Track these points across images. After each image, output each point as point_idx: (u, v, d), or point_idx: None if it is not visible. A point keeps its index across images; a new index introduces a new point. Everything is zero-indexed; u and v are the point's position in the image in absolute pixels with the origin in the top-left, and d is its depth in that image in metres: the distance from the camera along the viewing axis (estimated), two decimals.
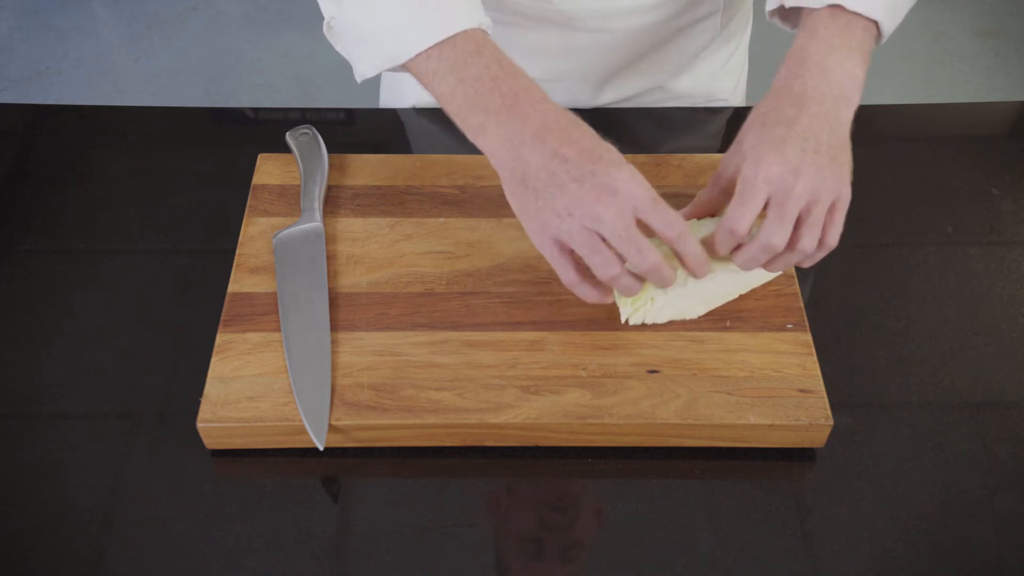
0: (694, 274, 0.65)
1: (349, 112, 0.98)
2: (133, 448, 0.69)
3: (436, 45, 0.65)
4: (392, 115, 0.98)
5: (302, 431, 0.65)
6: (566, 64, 0.93)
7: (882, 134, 0.96)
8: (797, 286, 0.74)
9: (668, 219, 0.61)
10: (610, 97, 0.98)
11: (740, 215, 0.62)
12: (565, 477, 0.68)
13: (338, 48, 0.73)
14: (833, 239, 0.65)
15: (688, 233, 0.62)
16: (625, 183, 0.60)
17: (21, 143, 0.92)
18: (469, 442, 0.68)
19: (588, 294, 0.65)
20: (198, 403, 0.67)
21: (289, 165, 0.83)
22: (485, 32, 0.67)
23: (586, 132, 0.63)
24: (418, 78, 0.68)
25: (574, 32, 0.88)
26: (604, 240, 0.62)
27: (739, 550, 0.63)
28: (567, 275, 0.65)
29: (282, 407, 0.66)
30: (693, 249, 0.63)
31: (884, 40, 0.71)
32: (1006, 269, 0.80)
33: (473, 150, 0.85)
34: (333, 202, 0.81)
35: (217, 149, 0.93)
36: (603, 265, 0.62)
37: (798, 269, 0.75)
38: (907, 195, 0.87)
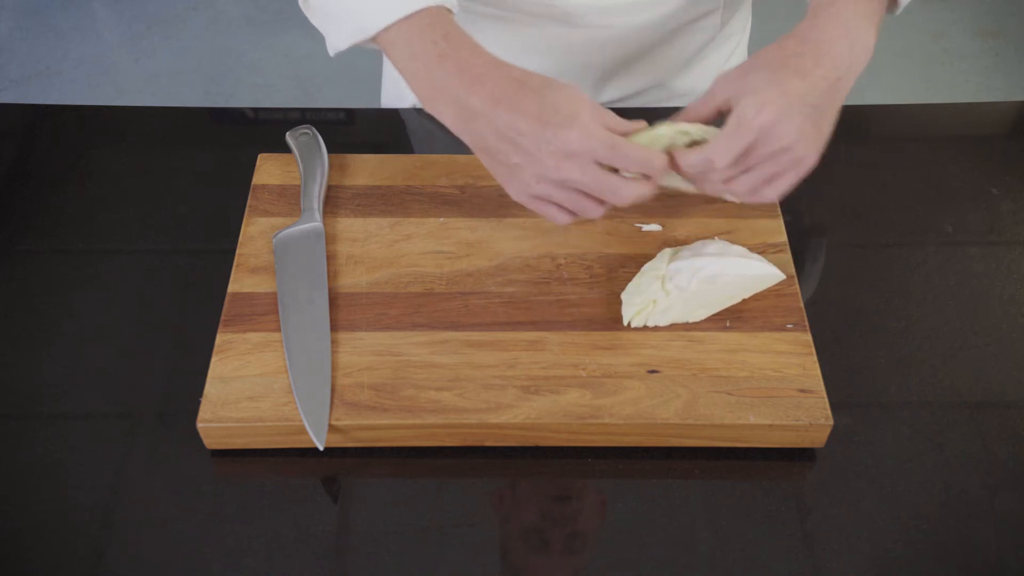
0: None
1: (349, 112, 0.98)
2: (133, 448, 0.69)
3: (398, 20, 0.67)
4: (392, 115, 0.98)
5: (302, 431, 0.65)
6: (566, 61, 0.93)
7: (882, 134, 0.96)
8: (797, 286, 0.74)
9: (629, 159, 0.64)
10: (611, 95, 0.98)
11: (725, 149, 0.65)
12: (565, 477, 0.68)
13: (313, 22, 0.75)
14: (771, 195, 0.68)
15: (653, 158, 0.64)
16: (579, 142, 0.62)
17: (21, 143, 0.92)
18: (469, 442, 0.68)
19: (591, 214, 0.67)
20: (198, 403, 0.67)
21: (289, 165, 0.83)
22: (448, 11, 0.69)
23: (534, 96, 0.64)
24: (383, 50, 0.70)
25: (574, 28, 0.88)
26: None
27: (739, 550, 0.63)
28: (558, 218, 0.68)
29: (282, 407, 0.66)
30: (661, 169, 0.65)
31: (899, 10, 0.72)
32: (1006, 269, 0.80)
33: None
34: (333, 202, 0.81)
35: (217, 149, 0.93)
36: (591, 208, 0.66)
37: (798, 269, 0.75)
38: (907, 195, 0.87)
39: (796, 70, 0.65)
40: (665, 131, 0.68)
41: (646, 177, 0.66)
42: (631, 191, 0.64)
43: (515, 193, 0.67)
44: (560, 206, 0.67)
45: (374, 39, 0.69)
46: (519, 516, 0.66)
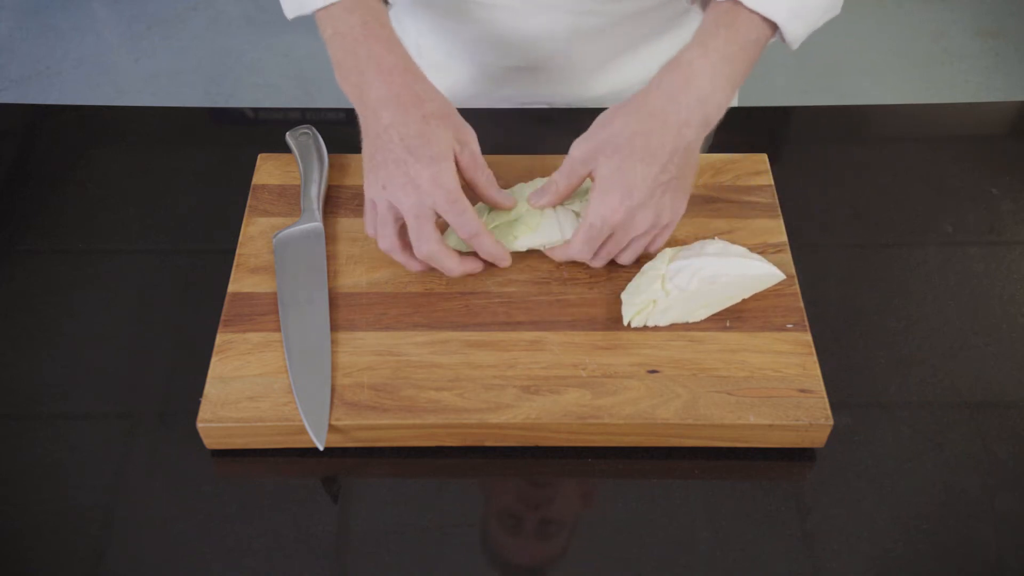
0: (497, 263, 0.72)
1: (349, 112, 0.98)
2: (133, 448, 0.69)
3: (330, 4, 0.72)
4: None
5: (302, 431, 0.65)
6: (559, 48, 0.92)
7: (882, 134, 0.96)
8: (797, 286, 0.74)
9: (462, 220, 0.68)
10: (600, 90, 0.97)
11: (583, 250, 0.70)
12: (565, 477, 0.68)
13: None
14: (654, 249, 0.73)
15: (482, 233, 0.69)
16: (427, 183, 0.66)
17: (21, 143, 0.92)
18: (469, 442, 0.68)
19: (394, 255, 0.71)
20: (198, 403, 0.67)
21: (289, 165, 0.83)
22: (379, 1, 0.73)
23: (421, 120, 0.67)
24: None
25: (565, 15, 0.88)
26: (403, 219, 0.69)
27: (739, 550, 0.63)
28: (367, 227, 0.72)
29: (282, 407, 0.66)
30: (488, 249, 0.70)
31: (794, 46, 0.72)
32: (1006, 269, 0.80)
33: None
34: (333, 202, 0.81)
35: (217, 149, 0.93)
36: (382, 237, 0.70)
37: (798, 269, 0.75)
38: (907, 195, 0.87)
39: (643, 155, 0.66)
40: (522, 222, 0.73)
41: (470, 256, 0.72)
42: (428, 249, 0.68)
43: (367, 184, 0.70)
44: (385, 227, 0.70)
45: (314, 14, 0.74)
46: (501, 501, 0.67)
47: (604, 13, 0.88)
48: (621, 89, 0.98)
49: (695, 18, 0.94)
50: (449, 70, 0.98)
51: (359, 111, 0.71)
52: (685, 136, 0.67)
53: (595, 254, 0.71)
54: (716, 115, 0.68)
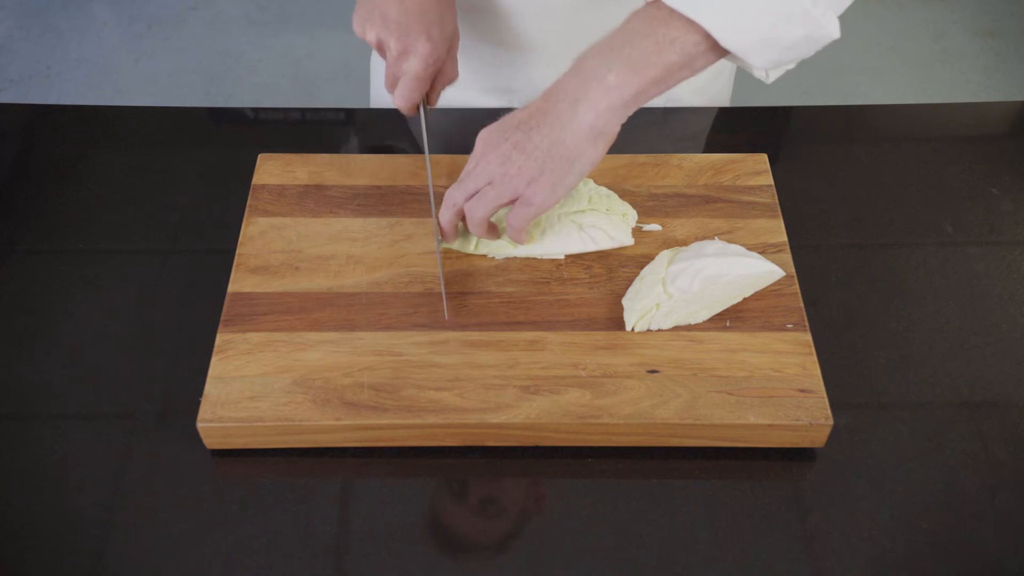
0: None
1: (349, 112, 0.98)
2: (133, 448, 0.69)
3: None
4: (392, 115, 0.98)
5: (302, 431, 0.65)
6: (527, 26, 0.91)
7: (882, 134, 0.96)
8: (797, 286, 0.74)
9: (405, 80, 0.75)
10: None
11: (451, 187, 0.71)
12: (565, 477, 0.68)
13: None
14: (512, 221, 0.70)
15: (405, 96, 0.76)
16: (421, 56, 0.74)
17: (21, 143, 0.92)
18: (469, 442, 0.68)
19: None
20: (198, 403, 0.67)
21: (289, 165, 0.83)
22: None
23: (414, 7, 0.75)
24: None
25: None
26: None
27: (739, 550, 0.63)
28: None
29: (282, 407, 0.66)
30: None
31: (749, 61, 0.64)
32: (1006, 269, 0.80)
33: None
34: (333, 202, 0.81)
35: (217, 149, 0.93)
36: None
37: (798, 269, 0.75)
38: (907, 195, 0.87)
39: (524, 109, 0.69)
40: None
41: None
42: (408, 78, 0.75)
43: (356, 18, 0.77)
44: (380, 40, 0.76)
45: None
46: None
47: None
48: None
49: None
50: None
51: None
52: (557, 100, 0.66)
53: (458, 188, 0.70)
54: (597, 88, 0.65)
